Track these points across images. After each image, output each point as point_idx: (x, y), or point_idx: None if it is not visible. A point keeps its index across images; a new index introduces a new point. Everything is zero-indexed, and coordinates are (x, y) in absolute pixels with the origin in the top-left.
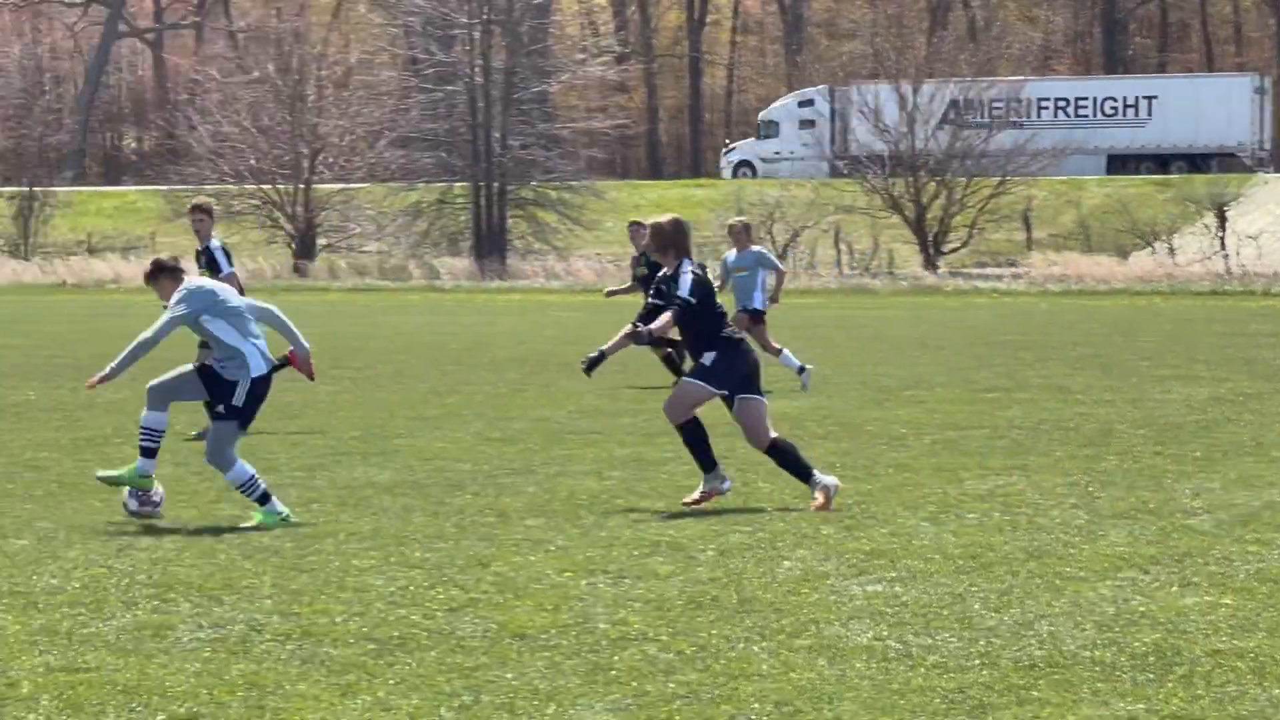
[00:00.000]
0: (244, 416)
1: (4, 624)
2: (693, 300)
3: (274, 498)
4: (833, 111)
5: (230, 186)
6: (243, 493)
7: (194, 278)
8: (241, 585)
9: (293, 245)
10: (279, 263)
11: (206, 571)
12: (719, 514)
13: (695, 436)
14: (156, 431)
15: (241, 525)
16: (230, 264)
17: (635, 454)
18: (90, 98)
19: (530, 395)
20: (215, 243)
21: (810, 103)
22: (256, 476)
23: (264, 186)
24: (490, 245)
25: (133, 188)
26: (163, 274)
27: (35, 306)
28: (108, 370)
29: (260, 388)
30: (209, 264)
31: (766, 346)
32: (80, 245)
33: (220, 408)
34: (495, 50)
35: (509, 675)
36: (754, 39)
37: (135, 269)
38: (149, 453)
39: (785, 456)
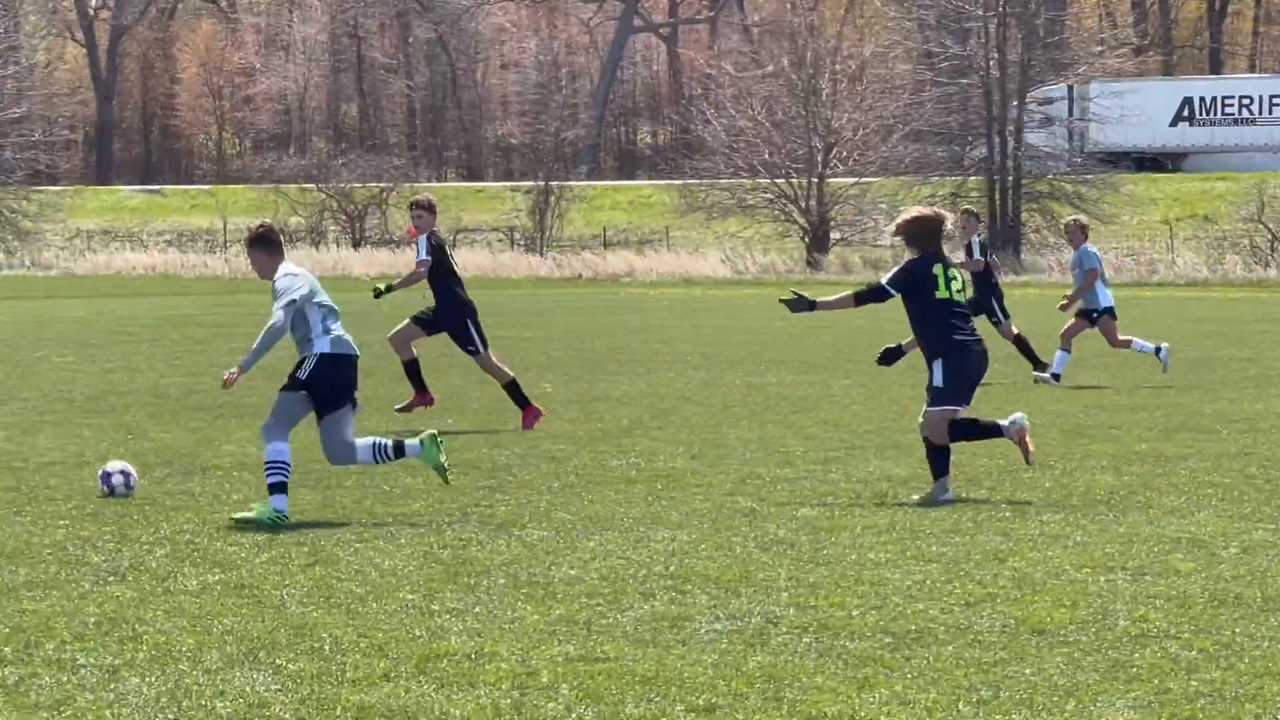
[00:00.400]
0: (312, 391)
1: (524, 613)
2: (888, 289)
3: (285, 495)
4: None
5: (744, 181)
6: (265, 472)
7: (287, 264)
8: (758, 578)
9: (806, 239)
10: (791, 256)
11: (723, 564)
12: (1241, 512)
13: (959, 437)
14: (282, 464)
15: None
16: (423, 254)
17: (1153, 449)
18: (605, 93)
19: (1046, 390)
20: (421, 240)
21: None
22: (285, 466)
23: (777, 181)
24: (1004, 239)
25: (647, 182)
26: (256, 245)
27: (550, 300)
28: (242, 364)
29: (326, 366)
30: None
31: (1114, 343)
32: (595, 239)
33: (288, 379)
34: (1011, 43)
35: (1027, 671)
36: (1277, 29)
37: (649, 263)
38: (279, 487)
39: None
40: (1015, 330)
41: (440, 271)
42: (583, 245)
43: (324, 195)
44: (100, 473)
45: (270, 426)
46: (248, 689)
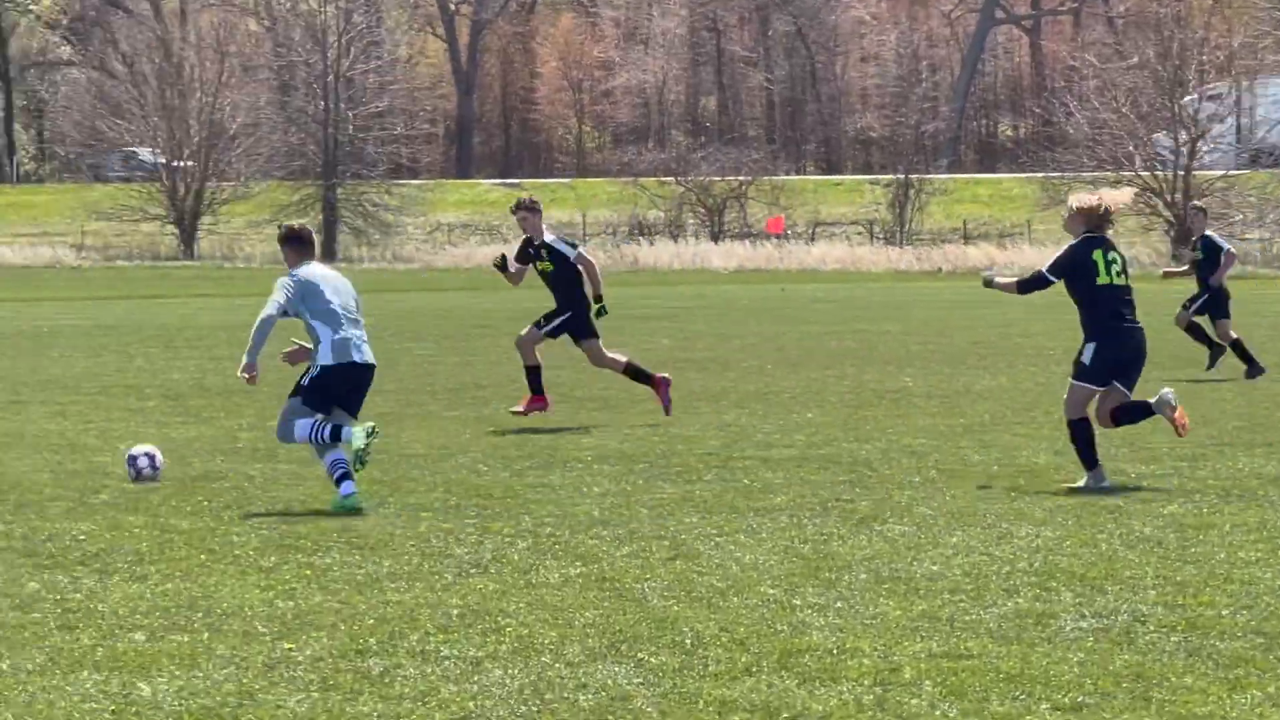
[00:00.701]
0: (312, 400)
1: (886, 609)
2: (1049, 276)
3: (351, 480)
4: None
5: (1107, 174)
6: (313, 446)
7: (308, 266)
8: (1124, 575)
9: (1171, 233)
10: (1156, 250)
11: (1088, 561)
12: None
13: (1081, 434)
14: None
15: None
16: (574, 247)
17: None
18: (966, 85)
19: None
20: (549, 237)
21: None
22: (341, 460)
23: (1142, 174)
24: None
25: (1008, 175)
26: (284, 244)
27: (911, 293)
28: (245, 361)
29: (330, 378)
30: (550, 257)
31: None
32: (954, 233)
33: (295, 386)
34: None
35: None
36: None
37: (1010, 256)
38: (345, 477)
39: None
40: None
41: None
42: (942, 238)
43: (683, 188)
44: (127, 456)
45: (282, 426)
46: (609, 682)
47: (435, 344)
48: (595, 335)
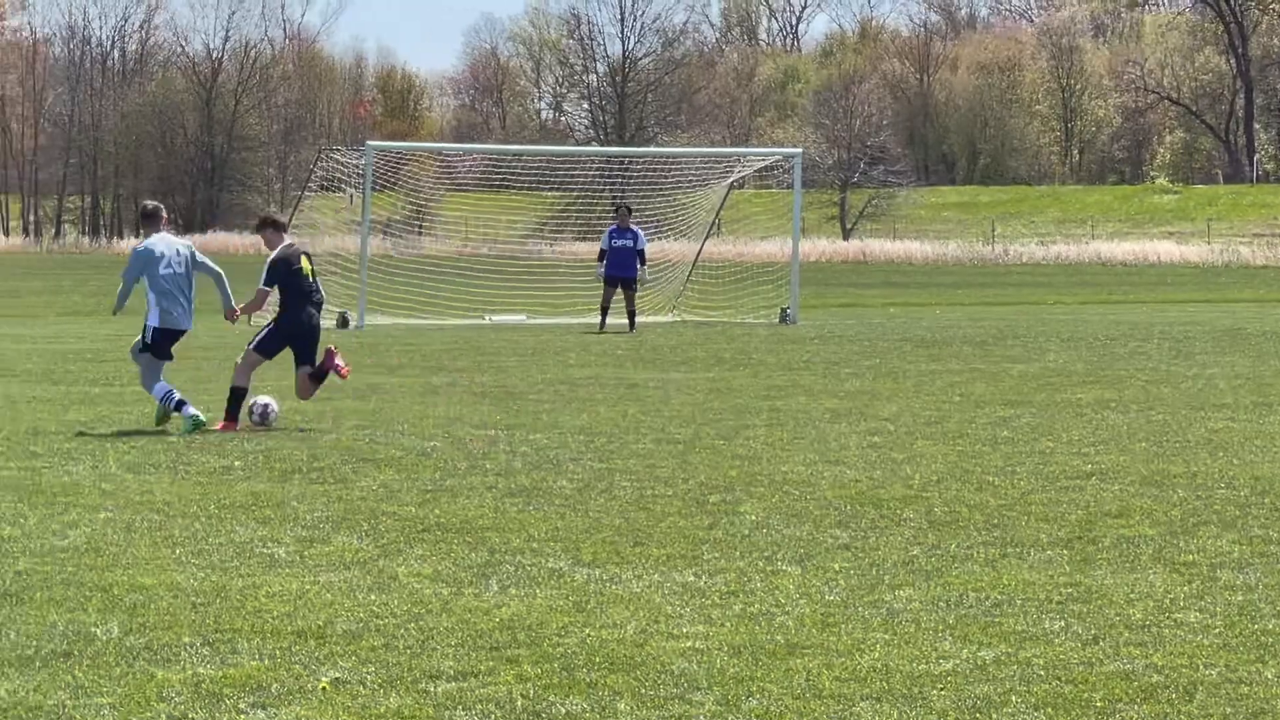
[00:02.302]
0: (155, 352)
1: None
2: None
3: (188, 404)
4: None
5: None
6: (162, 401)
7: (155, 239)
8: None
9: None
10: None
11: None
12: None
13: None
14: (168, 392)
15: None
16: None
17: None
18: None
19: None
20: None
21: None
22: (171, 392)
23: None
24: None
25: None
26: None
27: None
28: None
29: (158, 335)
30: None
31: None
32: None
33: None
34: None
35: None
36: None
37: None
38: (180, 404)
39: None
40: None
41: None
42: None
43: None
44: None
45: (146, 379)
46: None
47: None
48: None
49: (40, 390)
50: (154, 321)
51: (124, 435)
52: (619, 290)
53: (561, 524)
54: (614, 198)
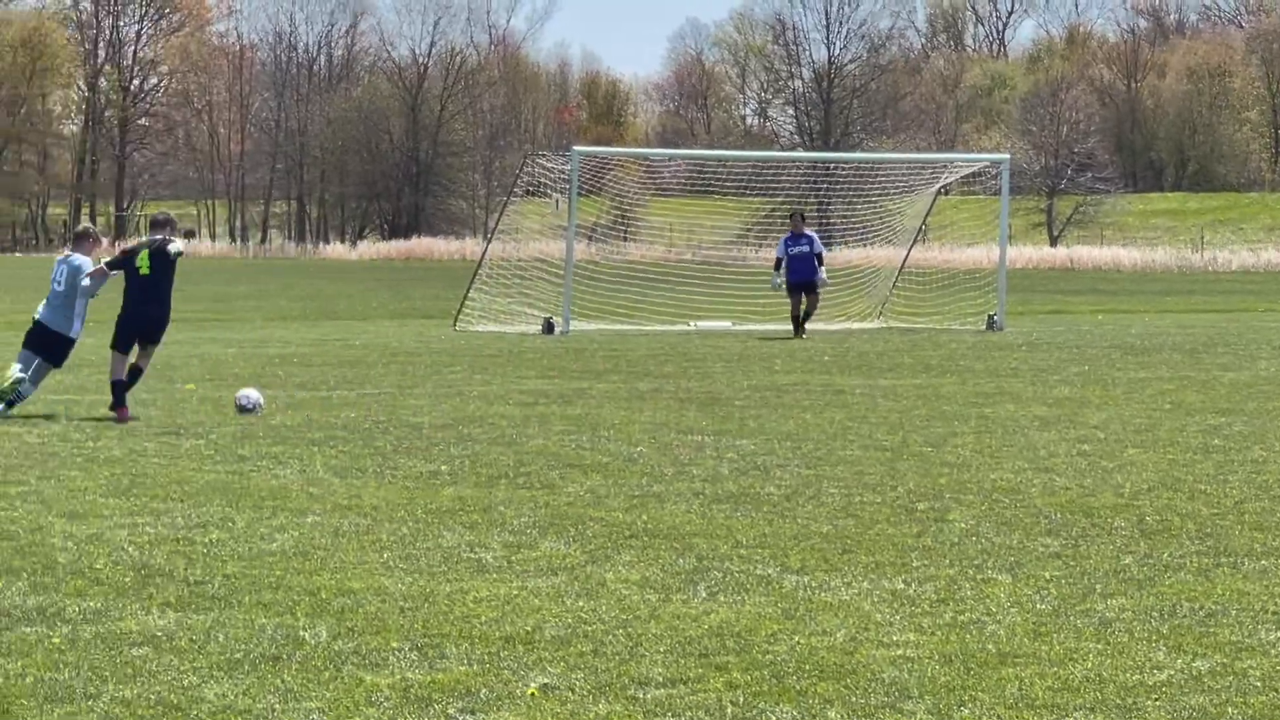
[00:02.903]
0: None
1: None
2: None
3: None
4: None
5: None
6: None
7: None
8: None
9: None
10: None
11: None
12: None
13: None
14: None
15: None
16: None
17: None
18: None
19: None
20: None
21: None
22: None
23: None
24: None
25: None
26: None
27: None
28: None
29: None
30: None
31: None
32: None
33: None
34: None
35: None
36: None
37: None
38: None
39: None
40: None
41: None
42: None
43: None
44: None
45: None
46: None
47: None
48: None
49: None
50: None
51: (331, 439)
52: (802, 295)
53: (769, 530)
54: (819, 203)
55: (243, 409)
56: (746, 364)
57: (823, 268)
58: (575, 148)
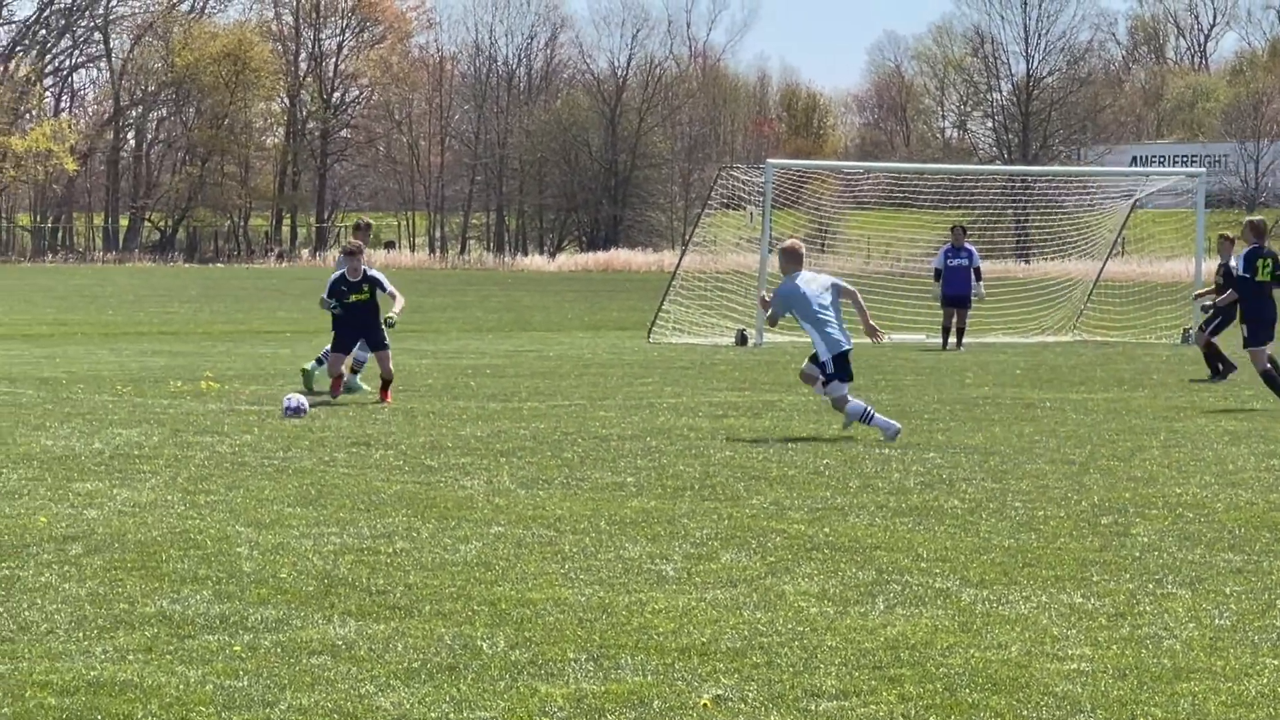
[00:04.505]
0: None
1: None
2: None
3: None
4: None
5: None
6: None
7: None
8: None
9: None
10: None
11: None
12: None
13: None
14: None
15: None
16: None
17: None
18: None
19: None
20: None
21: None
22: None
23: None
24: None
25: None
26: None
27: None
28: None
29: None
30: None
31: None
32: None
33: None
34: None
35: None
36: None
37: None
38: None
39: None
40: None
41: None
42: None
43: None
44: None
45: None
46: None
47: None
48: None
49: (439, 405)
50: None
51: (519, 451)
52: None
53: (951, 544)
54: (1016, 217)
55: (293, 411)
56: (938, 377)
57: (980, 282)
58: (769, 160)
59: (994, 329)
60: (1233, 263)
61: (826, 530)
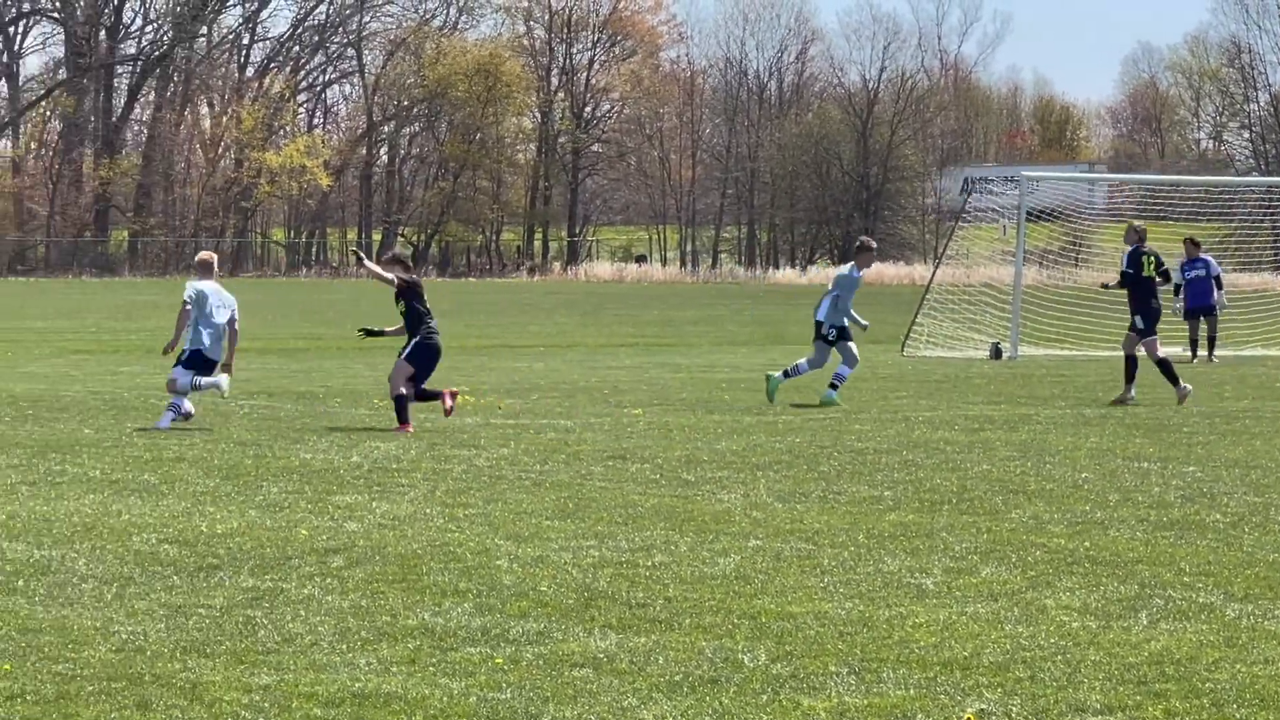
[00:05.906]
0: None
1: None
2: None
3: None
4: None
5: None
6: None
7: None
8: None
9: None
10: None
11: None
12: None
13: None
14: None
15: None
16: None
17: None
18: None
19: None
20: None
21: None
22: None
23: None
24: None
25: None
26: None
27: None
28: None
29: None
30: None
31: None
32: None
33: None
34: None
35: None
36: None
37: None
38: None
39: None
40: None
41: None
42: None
43: None
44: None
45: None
46: None
47: None
48: None
49: (695, 419)
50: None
51: (775, 464)
52: (1201, 320)
53: (1214, 558)
54: (1274, 229)
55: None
56: (1195, 390)
57: (1221, 291)
58: (1023, 172)
59: (1250, 342)
60: None
61: (1087, 544)
